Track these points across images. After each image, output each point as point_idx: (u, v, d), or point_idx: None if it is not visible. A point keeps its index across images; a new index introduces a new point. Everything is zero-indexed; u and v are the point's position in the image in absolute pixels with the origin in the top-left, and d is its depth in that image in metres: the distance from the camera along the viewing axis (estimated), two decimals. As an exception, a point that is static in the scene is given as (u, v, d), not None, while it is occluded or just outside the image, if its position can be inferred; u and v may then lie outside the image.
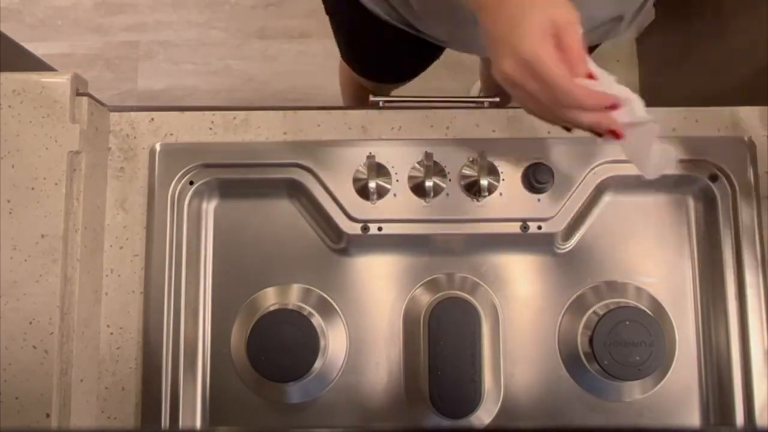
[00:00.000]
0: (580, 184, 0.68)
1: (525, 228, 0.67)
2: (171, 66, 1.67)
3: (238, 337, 0.69)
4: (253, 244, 0.71)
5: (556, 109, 0.47)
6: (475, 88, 1.61)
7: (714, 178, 0.69)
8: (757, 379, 0.65)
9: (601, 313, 0.66)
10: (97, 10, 1.69)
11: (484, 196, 0.67)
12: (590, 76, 0.46)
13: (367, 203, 0.67)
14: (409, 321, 0.69)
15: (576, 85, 0.45)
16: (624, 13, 0.72)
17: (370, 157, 0.67)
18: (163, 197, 0.68)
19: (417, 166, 0.68)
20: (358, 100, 1.24)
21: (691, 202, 0.71)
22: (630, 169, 0.69)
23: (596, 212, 0.71)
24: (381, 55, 0.95)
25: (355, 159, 0.67)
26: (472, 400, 0.65)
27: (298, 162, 0.68)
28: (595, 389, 0.68)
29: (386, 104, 0.72)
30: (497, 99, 0.73)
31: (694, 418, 0.68)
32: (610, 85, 0.47)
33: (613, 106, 0.47)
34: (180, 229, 0.68)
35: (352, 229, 0.67)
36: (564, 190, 0.67)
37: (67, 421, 0.61)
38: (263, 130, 0.70)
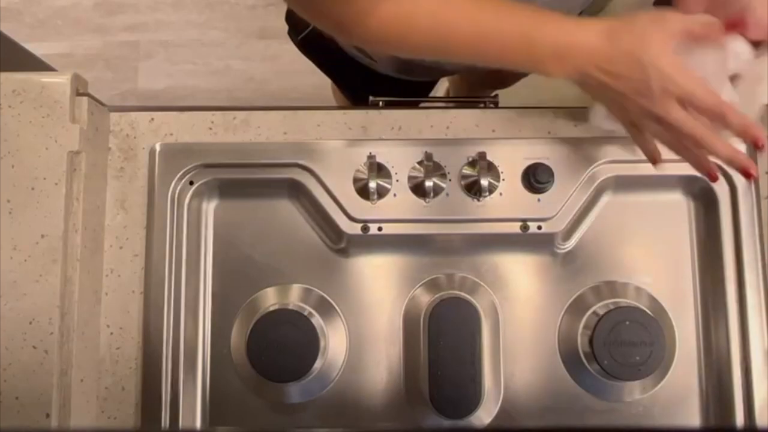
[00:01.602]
0: (580, 184, 0.68)
1: (525, 228, 0.67)
2: (171, 66, 1.67)
3: (238, 337, 0.69)
4: (253, 244, 0.71)
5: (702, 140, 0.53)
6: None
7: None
8: (757, 379, 0.65)
9: (601, 313, 0.66)
10: (97, 10, 1.69)
11: (484, 196, 0.67)
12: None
13: (367, 203, 0.67)
14: (409, 321, 0.69)
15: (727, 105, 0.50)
16: None
17: (371, 157, 0.67)
18: (163, 197, 0.68)
19: (417, 166, 0.68)
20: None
21: (691, 202, 0.71)
22: (630, 169, 0.69)
23: (596, 212, 0.71)
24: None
25: (355, 159, 0.67)
26: (472, 400, 0.64)
27: (298, 162, 0.68)
28: (595, 389, 0.68)
29: (386, 104, 0.72)
30: (497, 99, 0.73)
31: (694, 418, 0.68)
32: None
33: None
34: (180, 229, 0.68)
35: (352, 229, 0.67)
36: (564, 190, 0.67)
37: (67, 421, 0.61)
38: (263, 130, 0.70)
